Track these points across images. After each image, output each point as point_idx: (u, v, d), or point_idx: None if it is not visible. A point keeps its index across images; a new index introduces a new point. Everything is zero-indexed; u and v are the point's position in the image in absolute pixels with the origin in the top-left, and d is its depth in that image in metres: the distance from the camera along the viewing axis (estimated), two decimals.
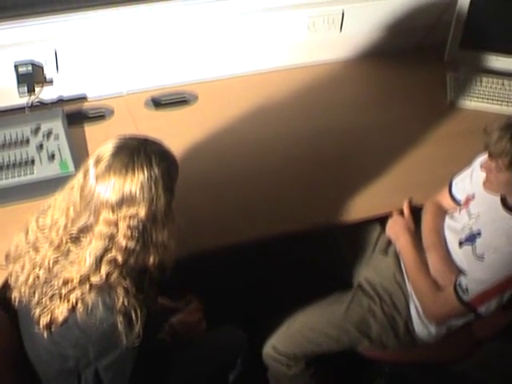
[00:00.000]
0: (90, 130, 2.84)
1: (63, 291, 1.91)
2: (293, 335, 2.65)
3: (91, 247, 1.87)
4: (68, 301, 1.90)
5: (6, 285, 2.13)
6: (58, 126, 2.76)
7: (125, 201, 1.83)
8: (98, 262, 1.87)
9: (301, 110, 3.07)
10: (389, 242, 2.78)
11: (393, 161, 2.85)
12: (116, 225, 1.85)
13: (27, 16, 2.70)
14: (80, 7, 2.76)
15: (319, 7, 3.05)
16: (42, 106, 2.89)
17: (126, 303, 1.89)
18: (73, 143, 2.71)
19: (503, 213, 2.37)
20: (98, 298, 1.89)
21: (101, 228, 1.85)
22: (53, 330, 1.96)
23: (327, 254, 2.87)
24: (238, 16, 2.97)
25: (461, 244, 2.48)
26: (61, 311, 1.92)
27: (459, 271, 2.46)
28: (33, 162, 2.65)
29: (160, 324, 2.38)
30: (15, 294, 2.05)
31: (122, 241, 1.86)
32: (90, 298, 1.89)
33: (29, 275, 1.99)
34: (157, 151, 1.88)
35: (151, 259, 1.95)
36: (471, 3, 3.03)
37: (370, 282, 2.71)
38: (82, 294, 1.89)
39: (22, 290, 2.01)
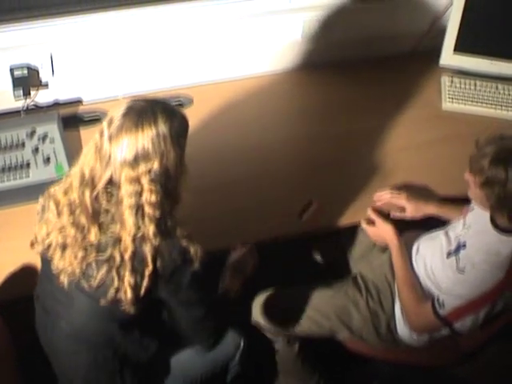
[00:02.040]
0: (86, 134, 2.84)
1: (127, 262, 1.98)
2: (276, 311, 2.69)
3: (125, 206, 1.96)
4: (145, 265, 1.99)
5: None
6: (53, 129, 2.76)
7: (140, 157, 1.93)
8: (140, 220, 1.97)
9: (297, 113, 3.08)
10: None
11: (388, 165, 2.87)
12: (139, 181, 1.95)
13: (23, 20, 2.70)
14: (75, 11, 2.76)
15: (314, 11, 3.06)
16: (38, 109, 2.89)
17: (184, 232, 2.05)
18: (68, 147, 2.71)
19: (490, 228, 2.37)
20: (163, 241, 2.01)
21: (126, 187, 1.95)
22: (139, 299, 2.03)
23: (330, 247, 2.88)
24: (233, 20, 2.97)
25: (449, 255, 2.50)
26: (144, 281, 2.00)
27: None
28: (28, 165, 2.66)
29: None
30: (62, 279, 2.06)
31: (149, 196, 1.96)
32: (159, 246, 2.00)
33: (76, 251, 2.03)
34: (163, 110, 1.98)
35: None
36: (465, 8, 3.04)
37: (364, 277, 2.74)
38: (150, 250, 1.99)
39: (70, 270, 2.04)
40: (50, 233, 2.07)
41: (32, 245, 2.15)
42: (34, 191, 2.52)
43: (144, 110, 1.96)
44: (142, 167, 1.94)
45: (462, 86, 3.19)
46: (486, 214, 2.39)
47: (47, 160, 2.67)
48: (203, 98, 3.05)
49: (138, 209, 1.96)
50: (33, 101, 2.87)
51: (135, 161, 1.93)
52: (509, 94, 3.16)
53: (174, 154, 1.99)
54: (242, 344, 2.55)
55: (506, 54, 3.12)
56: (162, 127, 1.95)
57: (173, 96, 3.04)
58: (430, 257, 2.57)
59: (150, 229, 1.98)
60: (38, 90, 2.85)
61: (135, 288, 2.01)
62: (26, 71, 2.77)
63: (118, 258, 1.99)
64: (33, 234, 2.14)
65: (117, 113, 1.97)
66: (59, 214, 2.05)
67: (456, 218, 2.62)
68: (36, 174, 2.63)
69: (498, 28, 3.09)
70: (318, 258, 3.04)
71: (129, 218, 1.96)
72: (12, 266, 2.43)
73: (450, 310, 2.37)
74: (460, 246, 2.45)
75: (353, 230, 2.87)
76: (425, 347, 2.62)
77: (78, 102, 2.98)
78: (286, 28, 3.08)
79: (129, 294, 2.01)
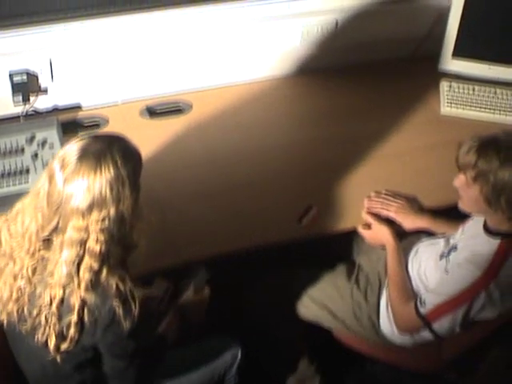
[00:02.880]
0: None
1: (54, 309, 1.90)
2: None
3: (64, 256, 1.86)
4: (69, 314, 1.90)
5: None
6: (52, 134, 2.76)
7: (95, 204, 1.83)
8: (75, 271, 1.87)
9: (296, 119, 3.09)
10: None
11: (385, 169, 2.87)
12: (86, 230, 1.85)
13: (22, 25, 2.71)
14: (74, 17, 2.76)
15: (313, 17, 3.07)
16: (37, 114, 2.89)
17: (121, 288, 1.91)
18: None
19: (481, 231, 2.39)
20: (93, 295, 1.89)
21: (71, 234, 1.85)
22: (63, 348, 1.95)
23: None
24: (231, 26, 2.98)
25: (441, 257, 2.51)
26: (69, 330, 1.91)
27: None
28: (28, 170, 2.66)
29: (157, 316, 2.39)
30: (3, 316, 2.01)
31: (93, 246, 1.85)
32: (87, 299, 1.89)
33: (12, 289, 1.96)
34: (122, 151, 1.88)
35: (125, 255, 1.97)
36: (463, 13, 3.05)
37: (360, 269, 2.77)
38: (77, 300, 1.89)
39: (9, 308, 1.98)
40: None
41: None
42: None
43: (102, 153, 1.84)
44: (95, 215, 1.83)
45: (461, 90, 3.19)
46: (482, 220, 2.41)
47: (47, 165, 2.66)
48: (202, 104, 3.05)
49: (77, 258, 1.86)
50: (32, 106, 2.87)
51: (89, 209, 1.83)
52: (507, 99, 3.17)
53: (131, 198, 1.88)
54: (239, 355, 2.55)
55: (503, 58, 3.13)
56: (122, 170, 1.85)
57: (172, 101, 3.05)
58: (426, 259, 2.58)
59: (84, 281, 1.87)
60: (37, 95, 2.86)
61: (60, 335, 1.93)
62: (25, 77, 2.77)
63: (46, 304, 1.91)
64: None
65: (69, 155, 1.86)
66: (2, 246, 2.00)
67: (444, 231, 2.66)
68: (35, 180, 2.62)
69: (495, 33, 3.10)
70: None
71: (63, 267, 1.87)
72: None
73: (431, 308, 2.37)
74: (452, 249, 2.47)
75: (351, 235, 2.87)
76: (407, 348, 2.63)
77: (78, 107, 2.98)
78: (285, 33, 3.08)
79: (53, 340, 1.92)
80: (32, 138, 2.74)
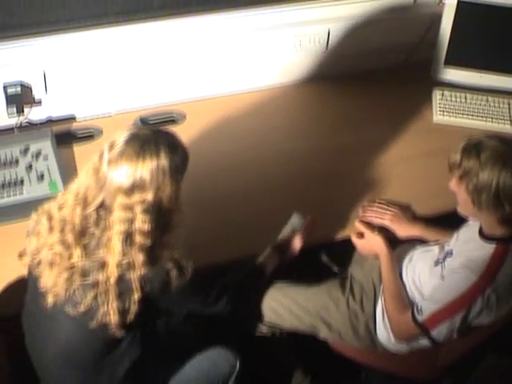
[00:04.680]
0: (79, 150, 2.85)
1: (112, 287, 1.98)
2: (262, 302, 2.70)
3: (115, 234, 1.95)
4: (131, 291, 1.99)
5: None
6: (47, 146, 2.77)
7: (136, 186, 1.93)
8: (128, 250, 1.96)
9: (289, 128, 3.10)
10: None
11: (379, 178, 2.88)
12: (132, 209, 1.94)
13: (16, 37, 2.71)
14: (68, 28, 2.77)
15: (305, 26, 3.08)
16: (31, 126, 2.90)
17: (173, 257, 2.04)
18: (62, 163, 2.72)
19: (476, 236, 2.40)
20: (149, 269, 2.00)
21: (119, 213, 1.94)
22: (127, 322, 2.03)
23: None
24: (225, 36, 2.99)
25: (436, 263, 2.52)
26: (132, 306, 2.01)
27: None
28: (22, 182, 2.66)
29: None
30: (48, 298, 2.06)
31: (141, 225, 1.95)
32: (145, 274, 1.99)
33: (61, 270, 2.02)
34: (167, 144, 1.99)
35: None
36: (455, 22, 3.07)
37: (353, 278, 2.76)
38: (136, 279, 1.99)
39: (57, 290, 2.03)
40: (40, 249, 2.07)
41: (20, 256, 2.16)
42: (27, 208, 2.51)
43: (148, 140, 1.96)
44: (137, 196, 1.93)
45: (453, 98, 3.21)
46: (477, 225, 2.42)
47: (41, 177, 2.67)
48: (196, 114, 3.06)
49: (128, 236, 1.95)
50: (26, 118, 2.88)
51: (131, 189, 1.93)
52: (499, 107, 3.19)
53: (170, 189, 1.98)
54: (237, 365, 2.54)
55: (494, 66, 3.15)
56: (163, 161, 1.95)
57: (166, 112, 3.06)
58: (421, 266, 2.59)
59: (139, 258, 1.97)
60: (31, 107, 2.86)
61: (122, 313, 2.00)
62: (19, 89, 2.78)
63: (103, 284, 1.98)
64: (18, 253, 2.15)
65: (119, 138, 1.98)
66: (51, 229, 2.05)
67: (437, 239, 2.66)
68: (30, 191, 2.64)
69: (486, 41, 3.12)
70: (325, 259, 3.04)
71: (116, 244, 1.95)
72: (6, 283, 2.42)
73: (428, 316, 2.37)
74: (447, 254, 2.48)
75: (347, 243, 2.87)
76: (403, 356, 2.63)
77: (72, 118, 2.98)
78: (278, 43, 3.10)
79: (115, 319, 2.00)
80: (26, 150, 2.75)
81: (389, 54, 3.28)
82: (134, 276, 1.98)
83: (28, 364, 2.33)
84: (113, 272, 1.97)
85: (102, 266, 1.98)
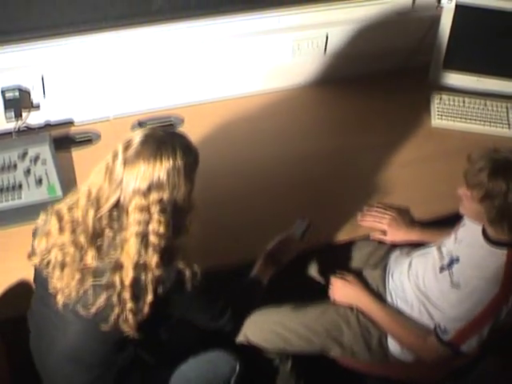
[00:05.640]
0: (78, 155, 2.85)
1: (127, 289, 1.98)
2: (265, 329, 2.66)
3: (130, 236, 1.95)
4: (145, 292, 2.00)
5: None
6: (45, 150, 2.77)
7: (153, 186, 1.94)
8: (144, 251, 1.96)
9: (287, 132, 3.09)
10: (381, 259, 2.81)
11: (378, 182, 2.88)
12: (148, 210, 1.95)
13: (14, 42, 2.71)
14: (66, 33, 2.77)
15: (304, 31, 3.08)
16: (29, 130, 2.89)
17: (186, 260, 2.05)
18: (60, 168, 2.72)
19: (481, 240, 2.39)
20: (163, 272, 2.01)
21: (135, 215, 1.95)
22: (140, 326, 2.03)
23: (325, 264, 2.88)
24: (222, 40, 2.99)
25: (442, 269, 2.50)
26: (145, 308, 2.01)
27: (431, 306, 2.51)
28: (20, 186, 2.66)
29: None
30: (58, 299, 2.05)
31: (157, 226, 1.96)
32: (159, 277, 2.00)
33: (73, 271, 2.01)
34: (181, 144, 2.01)
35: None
36: (453, 26, 3.07)
37: None
38: (151, 281, 1.99)
39: (68, 291, 2.03)
40: (50, 249, 2.06)
41: (29, 256, 2.14)
42: (26, 212, 2.53)
43: (164, 141, 1.98)
44: (154, 196, 1.95)
45: (451, 102, 3.21)
46: (478, 228, 2.41)
47: (39, 181, 2.67)
48: (194, 118, 3.06)
49: (144, 237, 1.96)
50: (24, 122, 2.87)
51: (148, 190, 1.94)
52: (497, 111, 3.19)
53: (185, 188, 2.00)
54: (237, 368, 2.53)
55: (492, 70, 3.16)
56: (179, 161, 1.97)
57: (164, 116, 3.06)
58: (423, 269, 2.58)
59: (154, 259, 1.98)
60: (29, 111, 2.86)
61: (137, 314, 2.01)
62: (17, 93, 2.78)
63: (118, 285, 1.98)
64: (27, 253, 2.14)
65: (135, 138, 1.98)
66: (61, 230, 2.04)
67: (439, 240, 2.66)
68: (28, 196, 2.63)
69: (484, 45, 3.12)
70: (314, 274, 3.04)
71: (133, 246, 1.96)
72: (6, 286, 2.42)
73: (454, 334, 2.38)
74: (453, 261, 2.46)
75: (346, 247, 2.88)
76: (416, 363, 2.62)
77: (70, 123, 2.98)
78: (276, 47, 3.10)
79: (131, 320, 2.01)
80: (24, 154, 2.75)
81: (387, 58, 3.28)
82: (149, 277, 1.99)
83: (27, 366, 2.33)
84: (128, 273, 1.97)
85: (117, 267, 1.98)
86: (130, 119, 3.03)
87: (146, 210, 1.95)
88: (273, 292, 2.81)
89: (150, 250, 1.97)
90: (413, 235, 2.74)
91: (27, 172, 2.70)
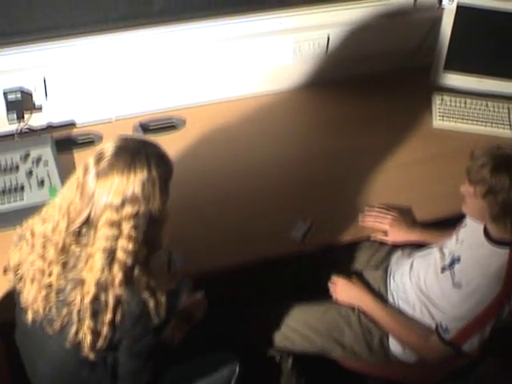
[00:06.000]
0: (80, 156, 2.85)
1: (87, 306, 1.91)
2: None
3: (96, 251, 1.88)
4: (103, 312, 1.92)
5: None
6: (47, 152, 2.77)
7: (127, 200, 1.86)
8: (108, 267, 1.89)
9: (289, 133, 3.10)
10: (383, 260, 2.81)
11: (379, 183, 2.88)
12: (119, 226, 1.88)
13: (16, 44, 2.72)
14: (68, 35, 2.78)
15: (305, 32, 3.09)
16: (32, 132, 2.90)
17: (151, 284, 1.95)
18: (62, 169, 2.72)
19: (483, 240, 2.39)
20: (126, 291, 1.92)
21: (104, 230, 1.87)
22: (98, 346, 1.95)
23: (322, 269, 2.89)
24: (224, 41, 3.00)
25: (443, 270, 2.51)
26: (103, 328, 1.93)
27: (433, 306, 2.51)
28: (22, 188, 2.66)
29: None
30: (28, 315, 2.01)
31: (126, 242, 1.88)
32: (121, 296, 1.91)
33: (40, 287, 1.97)
34: (155, 154, 1.94)
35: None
36: (454, 26, 3.07)
37: None
38: (112, 298, 1.91)
39: (36, 307, 1.98)
40: (22, 264, 2.02)
41: (4, 271, 2.11)
42: (28, 214, 2.50)
43: (137, 152, 1.90)
44: (127, 210, 1.87)
45: (453, 103, 3.21)
46: (479, 228, 2.41)
47: (41, 183, 2.68)
48: (196, 119, 3.06)
49: (110, 253, 1.88)
50: (26, 124, 2.88)
51: (122, 204, 1.86)
52: (499, 112, 3.19)
53: (160, 199, 1.92)
54: (237, 370, 2.53)
55: (494, 71, 3.16)
56: (154, 172, 1.90)
57: (165, 118, 3.06)
58: (424, 270, 2.59)
59: (118, 277, 1.89)
60: (31, 113, 2.87)
61: (95, 333, 1.93)
62: (19, 95, 2.78)
63: (78, 301, 1.91)
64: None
65: (106, 150, 1.90)
66: (33, 245, 1.99)
67: (437, 242, 2.66)
68: (30, 197, 2.64)
69: (486, 46, 3.12)
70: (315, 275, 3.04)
71: (98, 262, 1.88)
72: (5, 288, 2.41)
73: (455, 333, 2.38)
74: (454, 261, 2.47)
75: (348, 248, 2.88)
76: (418, 364, 2.62)
77: (72, 124, 2.99)
78: (278, 49, 3.10)
79: (88, 339, 1.93)
80: (26, 156, 2.75)
81: (389, 59, 3.28)
82: (110, 296, 1.90)
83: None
84: (89, 290, 1.89)
85: (79, 283, 1.91)
86: (131, 121, 3.03)
87: (116, 225, 1.87)
88: (274, 292, 2.84)
89: (116, 267, 1.89)
90: (414, 235, 2.74)
91: (29, 174, 2.70)
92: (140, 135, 1.96)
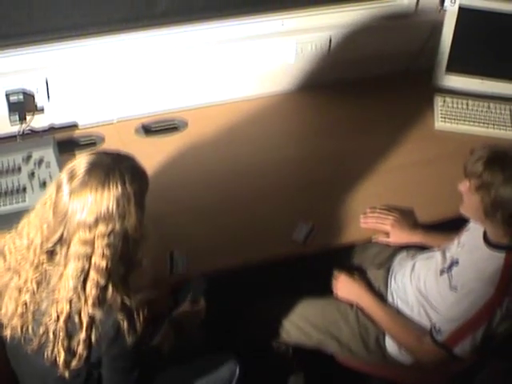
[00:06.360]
0: None
1: (61, 324, 1.89)
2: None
3: (69, 269, 1.85)
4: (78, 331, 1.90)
5: None
6: (49, 153, 2.77)
7: (101, 218, 1.83)
8: (81, 286, 1.86)
9: (290, 135, 3.10)
10: (387, 259, 2.81)
11: (381, 184, 2.88)
12: (92, 244, 1.84)
13: (18, 45, 2.73)
14: (70, 36, 2.79)
15: (307, 33, 3.09)
16: (34, 134, 2.90)
17: (126, 303, 1.91)
18: None
19: (481, 243, 2.39)
20: (100, 311, 1.89)
21: (76, 248, 1.84)
22: (73, 365, 1.94)
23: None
24: (226, 43, 3.00)
25: (442, 272, 2.51)
26: (79, 347, 1.91)
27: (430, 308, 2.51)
28: (24, 189, 2.66)
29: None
30: (7, 332, 2.00)
31: (99, 261, 1.85)
32: (95, 315, 1.89)
33: (17, 303, 1.95)
34: (130, 168, 1.90)
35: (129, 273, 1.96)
36: (456, 28, 3.08)
37: None
38: (85, 317, 1.88)
39: (14, 324, 1.97)
40: (0, 278, 2.00)
41: None
42: None
43: (111, 168, 1.85)
44: (101, 229, 1.83)
45: (455, 105, 3.21)
46: (480, 232, 2.41)
47: (43, 184, 2.68)
48: (198, 121, 3.06)
49: (82, 272, 1.85)
50: (28, 125, 2.88)
51: (95, 222, 1.82)
52: (501, 113, 3.19)
53: (136, 216, 1.88)
54: (237, 371, 2.53)
55: (495, 73, 3.16)
56: (129, 188, 1.85)
57: (167, 119, 3.06)
58: (425, 273, 2.59)
59: (91, 296, 1.87)
60: (33, 114, 2.87)
61: (69, 352, 1.91)
62: (21, 96, 2.79)
63: (53, 321, 1.89)
64: None
65: (79, 167, 1.87)
66: (9, 263, 1.99)
67: (438, 245, 2.66)
68: (32, 199, 2.63)
69: (487, 48, 3.12)
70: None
71: (69, 281, 1.85)
72: None
73: (448, 335, 2.38)
74: (453, 264, 2.47)
75: (352, 248, 2.88)
76: (413, 366, 2.62)
77: (74, 126, 2.99)
78: (280, 50, 3.10)
79: (62, 357, 1.91)
80: (28, 157, 2.75)
81: (390, 61, 3.28)
82: (83, 315, 1.88)
83: None
84: (63, 309, 1.87)
85: (54, 302, 1.89)
86: (134, 122, 3.03)
87: (89, 243, 1.83)
88: (276, 288, 2.84)
89: (89, 285, 1.86)
90: (416, 237, 2.74)
91: (31, 175, 2.70)
92: (120, 152, 1.90)
